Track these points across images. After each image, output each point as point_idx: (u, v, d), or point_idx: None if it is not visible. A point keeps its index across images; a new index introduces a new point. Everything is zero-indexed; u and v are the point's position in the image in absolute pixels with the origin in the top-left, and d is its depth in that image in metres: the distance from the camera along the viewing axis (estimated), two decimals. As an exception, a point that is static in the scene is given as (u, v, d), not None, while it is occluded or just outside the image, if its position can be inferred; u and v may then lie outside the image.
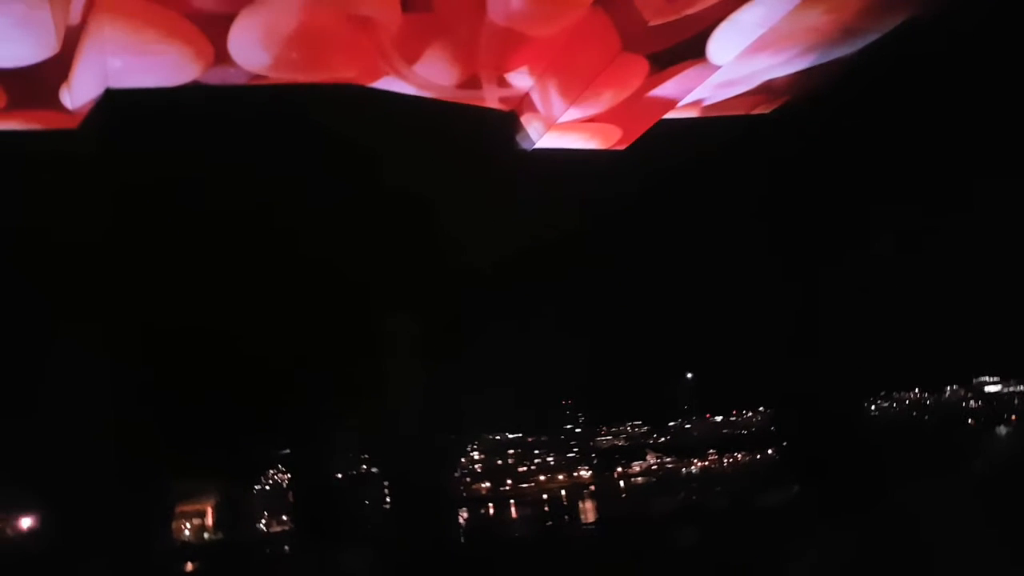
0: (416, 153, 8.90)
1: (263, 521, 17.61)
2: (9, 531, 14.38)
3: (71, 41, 5.99)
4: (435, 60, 7.00)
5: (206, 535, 16.52)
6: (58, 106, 6.62)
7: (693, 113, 8.47)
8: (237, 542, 16.52)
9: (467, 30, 6.68)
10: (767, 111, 8.80)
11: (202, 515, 16.67)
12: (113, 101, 7.53)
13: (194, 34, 6.62)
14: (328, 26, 6.39)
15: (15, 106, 6.49)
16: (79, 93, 6.67)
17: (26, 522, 14.04)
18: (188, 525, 16.33)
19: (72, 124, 6.75)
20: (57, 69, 6.21)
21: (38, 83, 6.27)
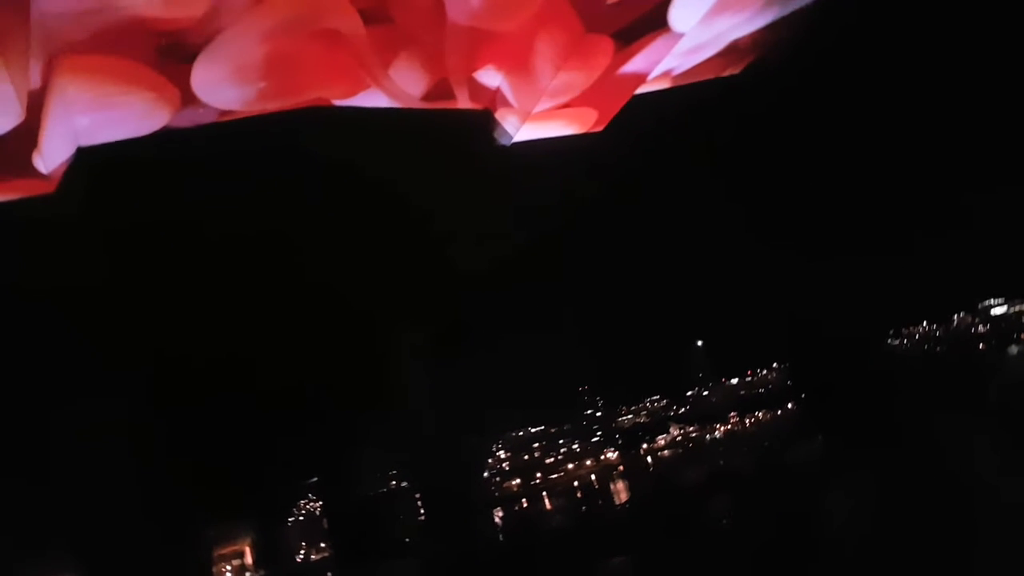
0: (399, 164, 8.90)
1: (302, 552, 17.69)
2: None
3: (35, 106, 5.95)
4: (404, 70, 6.97)
5: (247, 574, 16.58)
6: (33, 172, 6.58)
7: (664, 84, 8.45)
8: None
9: (430, 36, 6.66)
10: (737, 71, 8.78)
11: (241, 555, 16.72)
12: (86, 159, 7.49)
13: (157, 80, 6.58)
14: (292, 50, 6.36)
15: (-11, 179, 6.43)
16: (51, 156, 6.63)
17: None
18: (229, 568, 16.39)
19: (50, 188, 6.70)
20: (26, 136, 6.17)
21: (9, 153, 6.23)
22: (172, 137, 7.80)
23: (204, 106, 7.18)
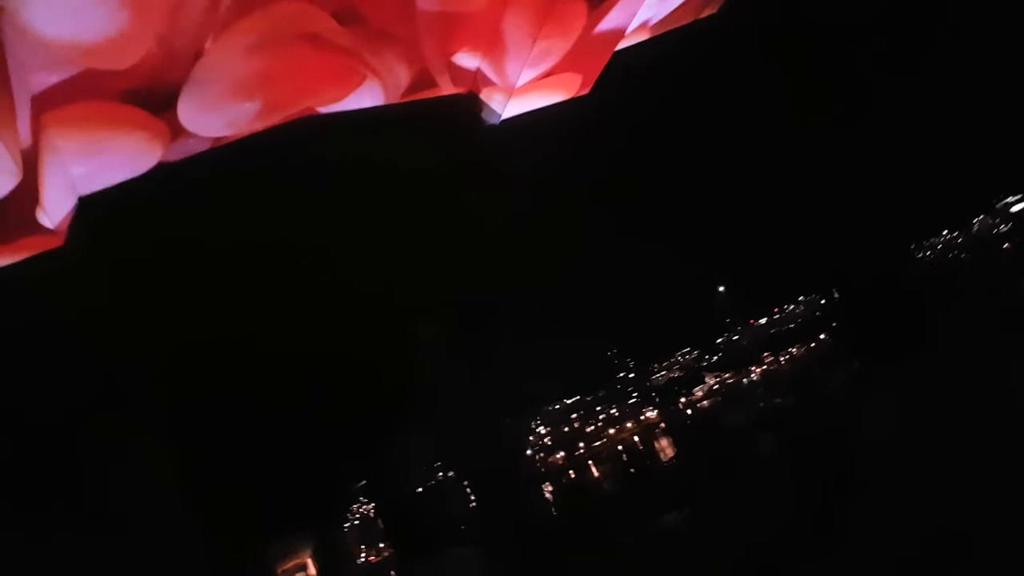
0: (398, 158, 8.91)
1: (362, 555, 18.01)
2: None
3: (30, 163, 6.01)
4: (383, 69, 6.94)
5: (314, 584, 16.92)
6: (40, 229, 6.66)
7: (644, 36, 8.35)
8: (345, 581, 16.88)
9: (403, 28, 6.62)
10: (715, 10, 8.66)
11: (304, 568, 17.05)
12: (88, 208, 7.56)
13: (143, 118, 6.61)
14: (270, 67, 6.35)
15: (1, 243, 6.54)
16: (54, 210, 6.71)
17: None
18: (294, 583, 16.76)
19: (58, 242, 6.79)
20: (27, 194, 6.24)
21: (13, 213, 6.31)
22: (169, 172, 7.85)
23: (194, 136, 7.21)
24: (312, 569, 17.47)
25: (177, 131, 6.94)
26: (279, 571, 16.66)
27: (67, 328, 9.20)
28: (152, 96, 6.40)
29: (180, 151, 7.34)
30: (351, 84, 6.86)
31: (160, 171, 7.64)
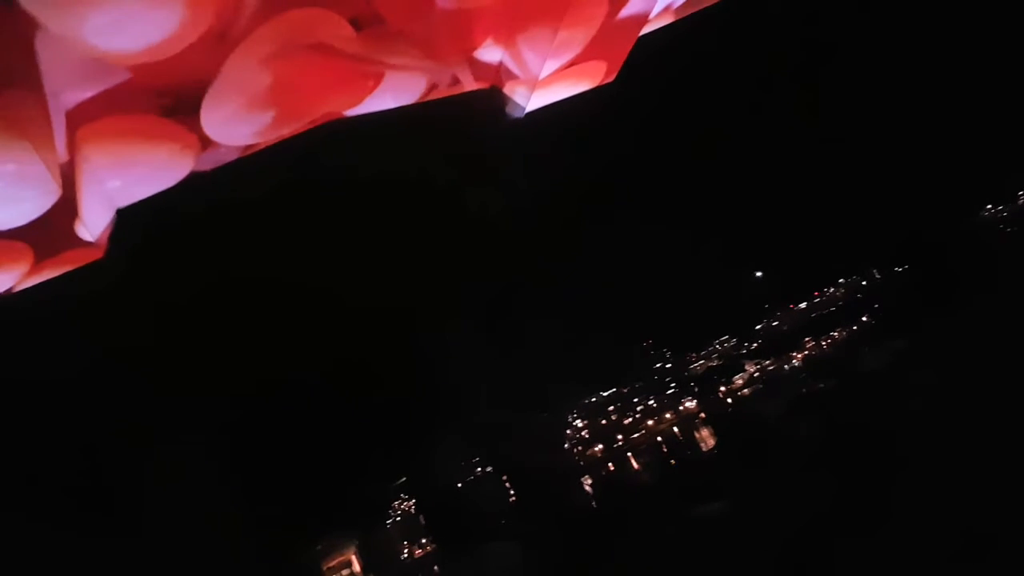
0: (421, 157, 8.94)
1: (405, 551, 18.21)
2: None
3: (68, 179, 6.17)
4: (404, 69, 6.95)
5: (359, 581, 17.20)
6: (80, 243, 6.83)
7: (668, 19, 8.21)
8: (389, 578, 17.11)
9: (423, 27, 6.61)
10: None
11: (349, 565, 17.32)
12: (126, 219, 7.74)
13: (173, 130, 6.72)
14: (291, 73, 6.41)
15: (43, 257, 6.72)
16: (93, 223, 6.87)
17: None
18: (340, 578, 17.06)
19: (99, 254, 6.97)
20: (67, 209, 6.40)
21: (55, 228, 6.48)
22: (202, 181, 8.00)
23: (223, 146, 7.32)
24: (356, 566, 17.73)
25: (207, 141, 7.05)
26: (324, 568, 16.97)
27: (111, 337, 9.47)
28: (183, 106, 6.51)
29: (211, 160, 7.46)
30: (372, 87, 6.89)
31: (193, 181, 7.79)
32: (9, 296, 6.99)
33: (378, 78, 6.63)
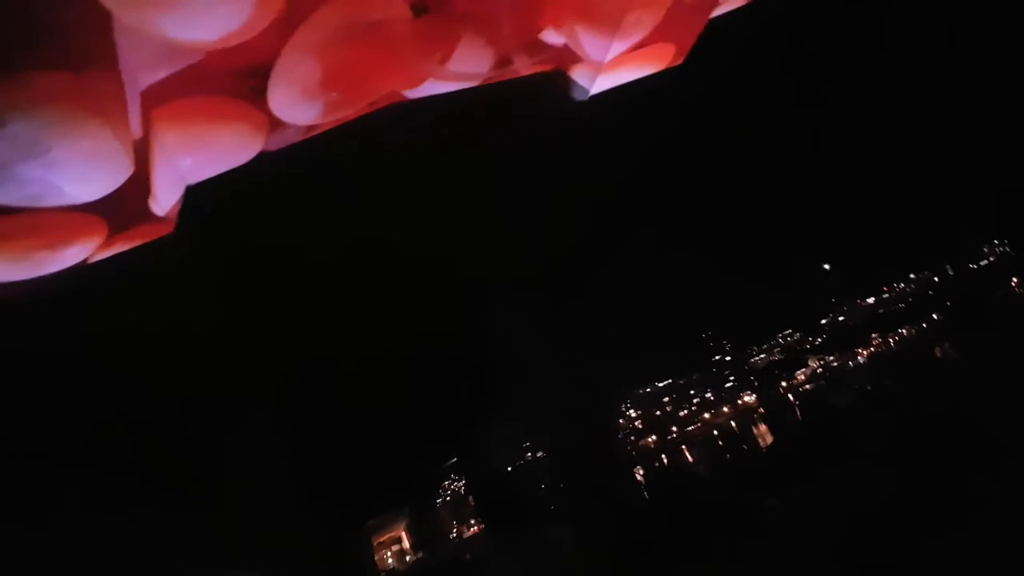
0: (485, 138, 8.93)
1: (454, 531, 18.51)
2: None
3: (141, 155, 6.37)
4: (467, 48, 6.91)
5: (408, 558, 17.58)
6: (152, 218, 7.06)
7: (740, 2, 7.93)
8: (438, 557, 17.44)
9: (486, 6, 6.56)
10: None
11: (399, 541, 17.71)
12: (196, 196, 7.98)
13: (244, 110, 6.87)
14: (353, 54, 6.45)
15: (117, 230, 6.97)
16: (164, 199, 7.08)
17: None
18: (389, 554, 17.45)
19: (169, 229, 7.20)
20: (140, 185, 6.63)
21: (128, 203, 6.71)
22: (270, 160, 8.18)
23: (290, 126, 7.45)
24: (406, 542, 18.11)
25: (275, 121, 7.18)
26: (375, 543, 17.39)
27: (179, 309, 9.81)
28: (253, 87, 6.65)
29: (279, 140, 7.62)
30: (433, 69, 6.87)
31: (262, 160, 7.97)
32: (84, 267, 7.29)
33: (439, 61, 6.61)
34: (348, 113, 7.36)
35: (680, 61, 8.10)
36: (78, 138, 5.55)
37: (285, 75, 6.45)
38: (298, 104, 6.92)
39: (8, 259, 7.09)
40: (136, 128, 6.13)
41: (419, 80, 7.06)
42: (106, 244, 7.08)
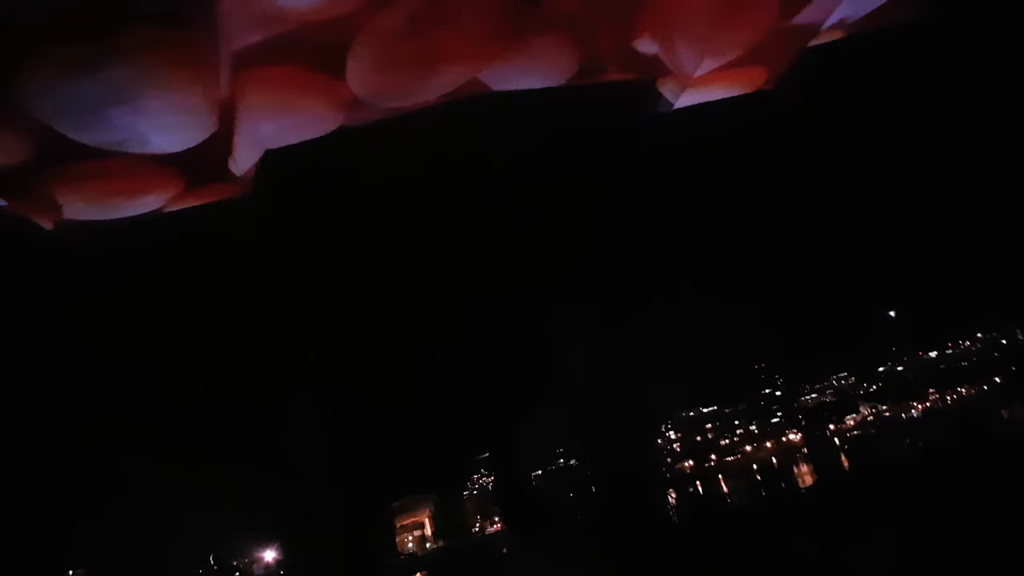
0: (553, 145, 8.84)
1: (477, 525, 18.54)
2: (257, 569, 16.65)
3: (227, 116, 6.52)
4: (555, 47, 6.86)
5: (428, 545, 17.73)
6: (227, 178, 7.24)
7: (838, 35, 7.70)
8: (457, 548, 17.49)
9: (582, 9, 6.49)
10: (919, 14, 7.78)
11: (421, 527, 17.87)
12: (274, 161, 8.15)
13: (328, 84, 6.99)
14: (430, 38, 6.48)
15: (192, 185, 7.17)
16: (243, 160, 7.25)
17: (271, 559, 16.14)
18: (410, 538, 17.63)
19: (238, 191, 7.37)
20: (221, 143, 6.80)
21: (208, 159, 6.90)
22: (349, 135, 8.29)
23: (371, 105, 7.55)
24: (428, 529, 18.23)
25: (356, 98, 7.28)
26: (398, 525, 17.54)
27: (243, 271, 10.03)
28: (338, 63, 6.75)
29: (359, 117, 7.72)
30: (511, 58, 6.82)
31: (340, 133, 8.09)
32: (155, 216, 7.51)
33: (518, 51, 6.57)
34: (429, 96, 7.39)
35: (771, 85, 7.90)
36: (169, 90, 5.73)
37: (366, 53, 6.53)
38: (376, 86, 6.99)
39: (86, 200, 7.40)
40: (225, 88, 6.29)
41: (498, 69, 7.03)
42: (180, 197, 7.30)
